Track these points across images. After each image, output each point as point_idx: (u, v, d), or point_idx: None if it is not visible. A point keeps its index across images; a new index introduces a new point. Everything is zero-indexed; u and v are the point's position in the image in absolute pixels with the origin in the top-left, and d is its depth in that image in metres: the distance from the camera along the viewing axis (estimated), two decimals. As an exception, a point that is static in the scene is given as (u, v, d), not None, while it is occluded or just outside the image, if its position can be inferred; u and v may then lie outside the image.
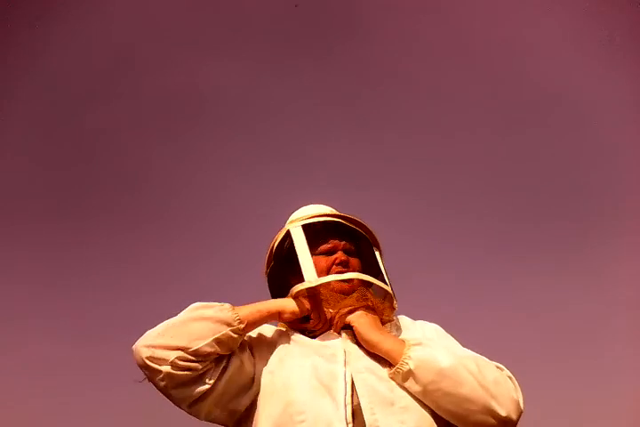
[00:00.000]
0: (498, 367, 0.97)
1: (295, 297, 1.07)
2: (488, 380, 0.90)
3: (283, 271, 1.21)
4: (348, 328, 1.05)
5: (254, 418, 0.96)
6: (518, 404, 0.91)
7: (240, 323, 0.96)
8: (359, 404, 0.89)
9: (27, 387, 3.61)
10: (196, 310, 0.97)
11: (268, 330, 1.13)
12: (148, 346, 0.91)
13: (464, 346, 1.09)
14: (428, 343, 0.98)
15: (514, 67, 4.39)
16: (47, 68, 4.31)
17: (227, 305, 0.98)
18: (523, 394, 0.94)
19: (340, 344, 1.02)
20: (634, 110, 3.82)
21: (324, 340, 1.05)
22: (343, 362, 0.97)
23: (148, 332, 0.94)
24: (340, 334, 1.05)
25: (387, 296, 1.17)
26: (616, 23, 3.66)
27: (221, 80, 4.60)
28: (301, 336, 1.07)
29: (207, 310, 0.96)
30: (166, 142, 4.67)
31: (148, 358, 0.89)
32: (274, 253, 1.20)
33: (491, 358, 1.00)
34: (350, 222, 1.19)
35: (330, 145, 4.73)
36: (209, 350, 0.91)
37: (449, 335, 1.13)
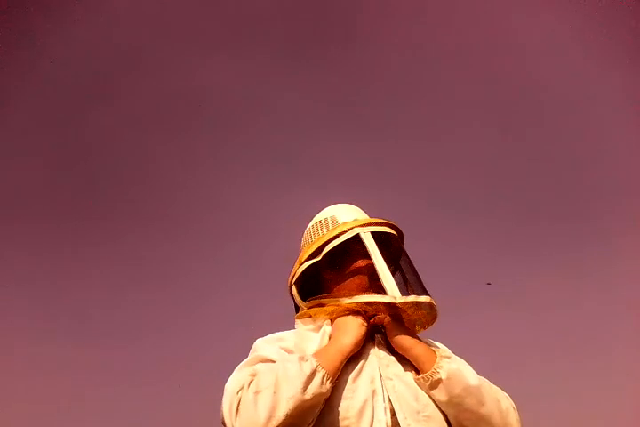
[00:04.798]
0: (506, 397, 1.01)
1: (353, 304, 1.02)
2: (502, 407, 0.96)
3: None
4: (381, 332, 1.05)
5: None
6: None
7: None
8: (392, 409, 0.92)
9: (26, 387, 3.60)
10: (305, 386, 0.87)
11: (305, 334, 1.07)
12: None
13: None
14: (456, 359, 1.01)
15: (516, 67, 4.39)
16: (48, 69, 4.30)
17: (322, 370, 0.90)
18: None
19: (371, 349, 1.02)
20: (634, 111, 3.82)
21: None
22: (377, 368, 0.98)
23: (261, 411, 0.83)
24: (370, 337, 1.04)
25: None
26: (616, 23, 3.65)
27: (222, 81, 4.59)
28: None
29: (315, 387, 0.88)
30: (167, 142, 4.66)
31: None
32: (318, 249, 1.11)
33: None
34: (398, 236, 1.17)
35: (330, 145, 4.72)
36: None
37: None
